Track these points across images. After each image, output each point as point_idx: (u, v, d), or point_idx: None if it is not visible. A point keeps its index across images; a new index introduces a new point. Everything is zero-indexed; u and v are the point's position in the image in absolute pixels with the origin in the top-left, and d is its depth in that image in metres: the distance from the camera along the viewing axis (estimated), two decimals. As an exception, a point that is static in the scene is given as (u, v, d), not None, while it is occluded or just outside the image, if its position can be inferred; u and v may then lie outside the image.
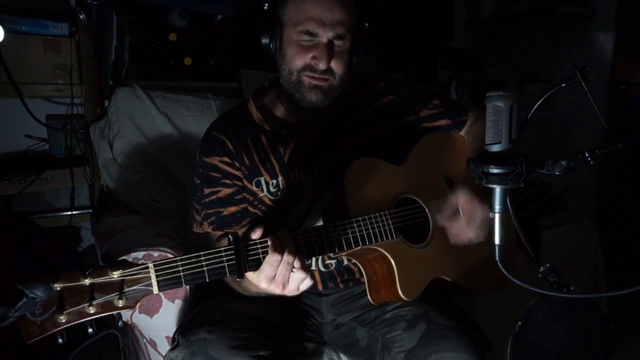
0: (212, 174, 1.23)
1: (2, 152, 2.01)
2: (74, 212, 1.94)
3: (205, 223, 1.24)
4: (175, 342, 1.08)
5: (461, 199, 1.11)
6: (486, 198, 1.10)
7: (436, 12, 2.78)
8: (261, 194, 1.23)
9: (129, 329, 1.37)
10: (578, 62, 0.87)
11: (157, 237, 1.34)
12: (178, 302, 1.21)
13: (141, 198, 1.65)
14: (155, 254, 1.18)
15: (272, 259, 0.94)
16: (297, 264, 0.95)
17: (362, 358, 1.18)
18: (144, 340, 1.28)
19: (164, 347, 1.22)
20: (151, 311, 1.18)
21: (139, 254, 1.16)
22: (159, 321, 1.20)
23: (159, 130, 1.73)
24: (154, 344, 1.26)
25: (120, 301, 0.84)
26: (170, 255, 1.19)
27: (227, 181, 1.23)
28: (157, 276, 0.88)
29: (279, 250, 0.94)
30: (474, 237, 1.11)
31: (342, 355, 1.23)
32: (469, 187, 1.11)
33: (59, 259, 1.85)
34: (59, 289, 0.81)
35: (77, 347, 1.74)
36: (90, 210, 1.91)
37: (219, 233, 1.24)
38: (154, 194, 1.67)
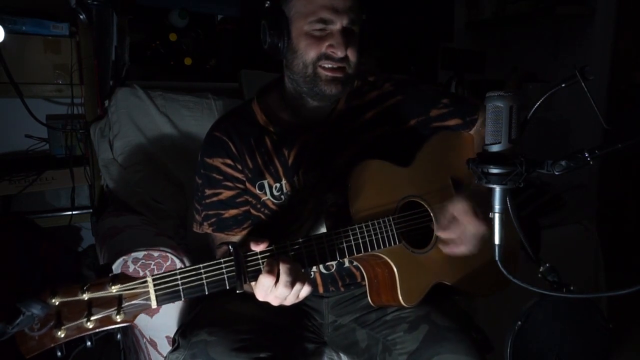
0: (214, 175, 1.21)
1: (2, 152, 2.01)
2: (74, 212, 1.94)
3: (205, 224, 1.23)
4: (175, 344, 1.07)
5: (458, 208, 1.08)
6: (484, 208, 1.06)
7: (436, 12, 2.78)
8: (264, 198, 1.21)
9: (129, 329, 1.37)
10: (578, 62, 0.87)
11: (157, 237, 1.34)
12: (178, 302, 1.21)
13: (141, 198, 1.65)
14: (155, 254, 1.17)
15: (267, 281, 0.93)
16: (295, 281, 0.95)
17: (362, 359, 1.18)
18: (144, 340, 1.28)
19: (164, 347, 1.23)
20: (151, 311, 1.18)
21: (139, 254, 1.16)
22: (159, 321, 1.20)
23: (159, 130, 1.73)
24: (154, 344, 1.26)
25: (118, 316, 0.84)
26: (170, 256, 1.19)
27: (229, 184, 1.21)
28: (155, 290, 0.87)
29: (273, 274, 0.93)
30: (465, 250, 1.09)
31: (342, 355, 1.23)
32: (470, 197, 1.08)
33: (59, 259, 1.85)
34: (57, 304, 0.81)
35: (77, 347, 1.74)
36: (91, 210, 1.91)
37: (219, 235, 1.23)
38: (154, 194, 1.67)
